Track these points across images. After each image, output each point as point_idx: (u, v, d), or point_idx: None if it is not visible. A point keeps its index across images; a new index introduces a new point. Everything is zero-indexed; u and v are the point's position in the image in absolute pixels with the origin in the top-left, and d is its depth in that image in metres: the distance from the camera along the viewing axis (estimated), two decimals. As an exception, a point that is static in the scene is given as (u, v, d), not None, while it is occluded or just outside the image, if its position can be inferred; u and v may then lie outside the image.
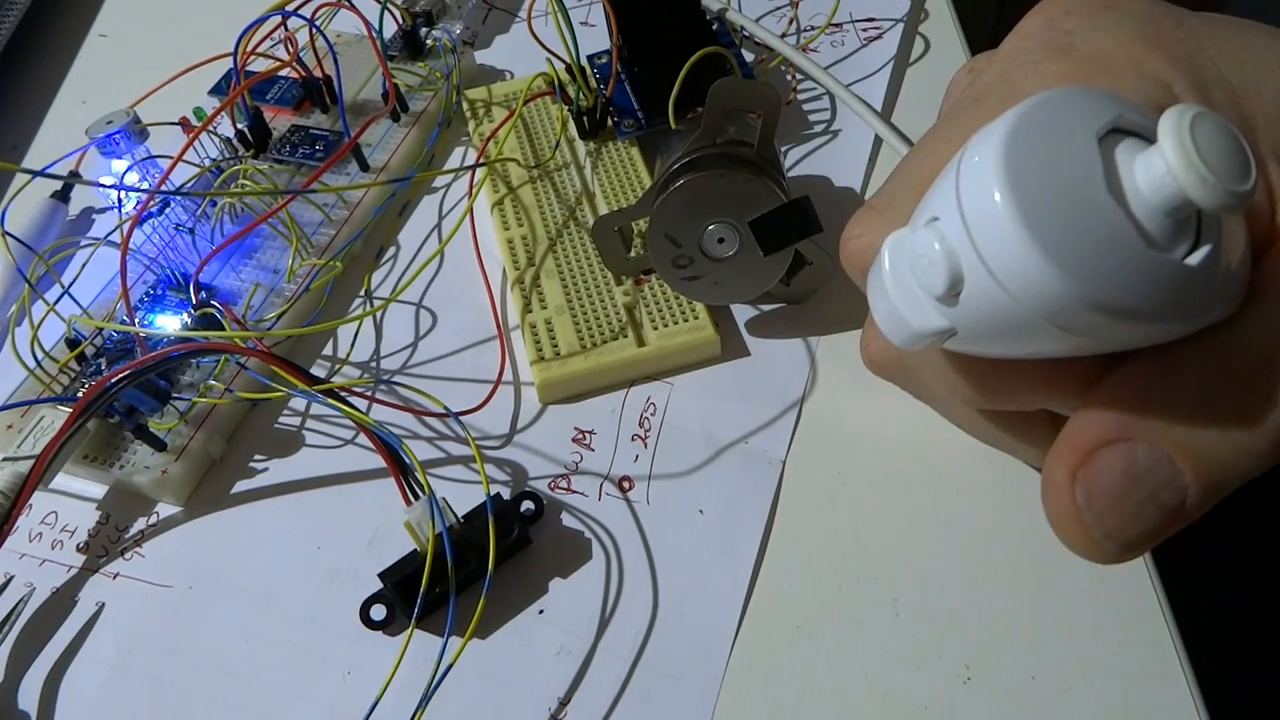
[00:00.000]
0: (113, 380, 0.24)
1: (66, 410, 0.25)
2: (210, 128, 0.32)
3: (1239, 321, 0.16)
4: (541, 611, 0.24)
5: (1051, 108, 0.15)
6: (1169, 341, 0.17)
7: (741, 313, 0.29)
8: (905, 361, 0.22)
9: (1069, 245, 0.14)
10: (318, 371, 0.29)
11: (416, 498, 0.23)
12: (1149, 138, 0.16)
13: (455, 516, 0.24)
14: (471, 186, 0.32)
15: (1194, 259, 0.15)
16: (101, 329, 0.29)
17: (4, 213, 0.29)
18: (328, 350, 0.30)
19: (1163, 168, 0.14)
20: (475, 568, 0.23)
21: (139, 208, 0.30)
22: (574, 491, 0.26)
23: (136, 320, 0.29)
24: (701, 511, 0.25)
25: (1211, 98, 0.18)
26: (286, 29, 0.34)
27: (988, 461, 0.25)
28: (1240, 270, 0.16)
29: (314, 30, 0.33)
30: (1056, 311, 0.15)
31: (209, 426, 0.27)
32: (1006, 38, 0.22)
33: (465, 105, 0.36)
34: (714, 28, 0.34)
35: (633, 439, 0.27)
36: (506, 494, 0.26)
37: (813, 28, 0.38)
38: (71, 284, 0.29)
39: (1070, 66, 0.19)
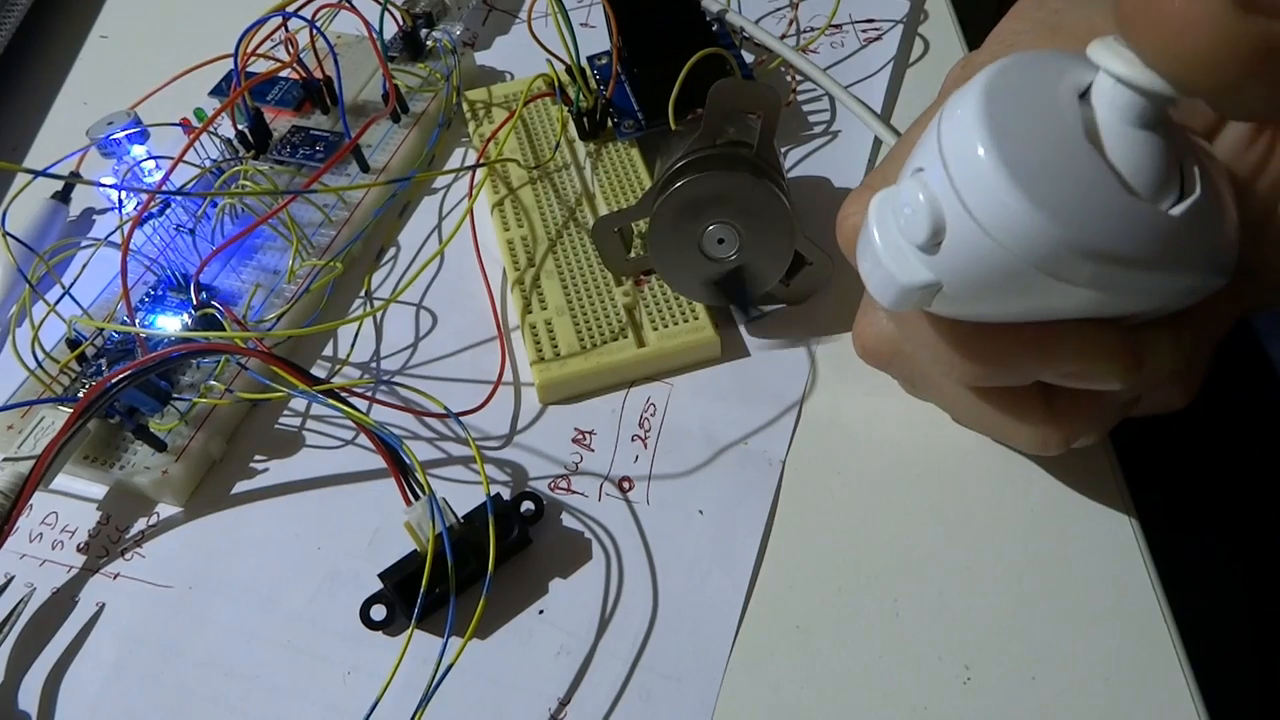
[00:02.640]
0: (113, 381, 0.24)
1: (67, 411, 0.25)
2: (211, 129, 0.32)
3: None
4: (541, 612, 0.24)
5: (1030, 62, 0.16)
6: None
7: (741, 313, 0.29)
8: (897, 347, 0.22)
9: (1049, 187, 0.15)
10: (318, 372, 0.29)
11: (417, 498, 0.23)
12: None
13: (455, 517, 0.24)
14: (472, 187, 0.32)
15: (1178, 209, 0.15)
16: (102, 329, 0.29)
17: (5, 213, 0.29)
18: (328, 351, 0.30)
19: (1106, 78, 0.15)
20: (475, 568, 0.23)
21: (139, 208, 0.30)
22: (574, 492, 0.26)
23: (137, 321, 0.29)
24: (701, 512, 0.25)
25: None
26: (287, 30, 0.34)
27: (988, 462, 0.25)
28: (1230, 234, 0.17)
29: (314, 31, 0.33)
30: (1039, 254, 0.15)
31: (209, 427, 0.27)
32: (1000, 21, 0.22)
33: (465, 106, 0.36)
34: (714, 29, 0.34)
35: (633, 439, 0.27)
36: (506, 494, 0.26)
37: (812, 29, 0.38)
38: (72, 285, 0.29)
39: (1060, 42, 0.19)
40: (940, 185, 0.15)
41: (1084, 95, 0.15)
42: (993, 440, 0.25)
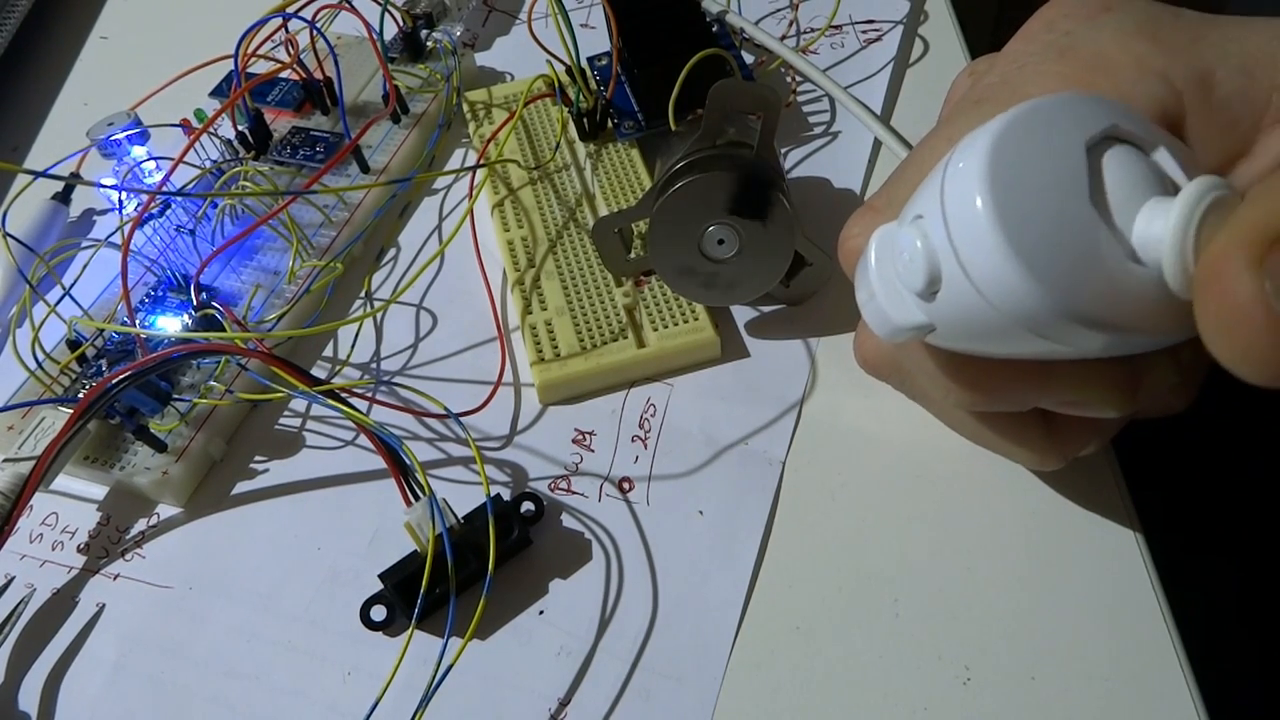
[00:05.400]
0: (113, 381, 0.24)
1: (67, 411, 0.25)
2: (211, 129, 0.32)
3: None
4: (542, 612, 0.24)
5: (1042, 115, 0.15)
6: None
7: (741, 314, 0.29)
8: (897, 363, 0.22)
9: (1047, 256, 0.14)
10: (318, 373, 0.29)
11: (417, 498, 0.23)
12: (1144, 147, 0.16)
13: (455, 517, 0.24)
14: (472, 188, 0.32)
15: None
16: (102, 330, 0.29)
17: (5, 214, 0.29)
18: (328, 351, 0.30)
19: (1159, 243, 0.14)
20: (475, 568, 0.23)
21: (140, 209, 0.30)
22: (574, 492, 0.26)
23: (137, 321, 0.29)
24: (701, 512, 0.25)
25: (1215, 79, 0.18)
26: (287, 31, 0.34)
27: (987, 462, 0.25)
28: None
29: (315, 32, 0.34)
30: (1030, 320, 0.15)
31: (209, 427, 0.27)
32: (1009, 42, 0.22)
33: (465, 107, 0.36)
34: (714, 30, 0.34)
35: (633, 440, 0.27)
36: (507, 495, 0.26)
37: (812, 30, 0.38)
38: (72, 285, 0.29)
39: (1072, 67, 0.19)
40: (939, 239, 0.15)
41: (1092, 146, 0.15)
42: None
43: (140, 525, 0.26)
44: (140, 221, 0.29)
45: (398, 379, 0.29)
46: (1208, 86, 0.18)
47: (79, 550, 0.26)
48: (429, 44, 0.38)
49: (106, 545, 0.26)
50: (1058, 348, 0.15)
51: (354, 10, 0.33)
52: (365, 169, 0.34)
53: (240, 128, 0.33)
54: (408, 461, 0.23)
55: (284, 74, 0.35)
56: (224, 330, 0.28)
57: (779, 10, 0.40)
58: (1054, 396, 0.19)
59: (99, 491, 0.27)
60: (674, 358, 0.28)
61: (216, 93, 0.36)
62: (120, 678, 0.24)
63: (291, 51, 0.34)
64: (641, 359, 0.27)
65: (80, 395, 0.26)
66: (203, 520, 0.26)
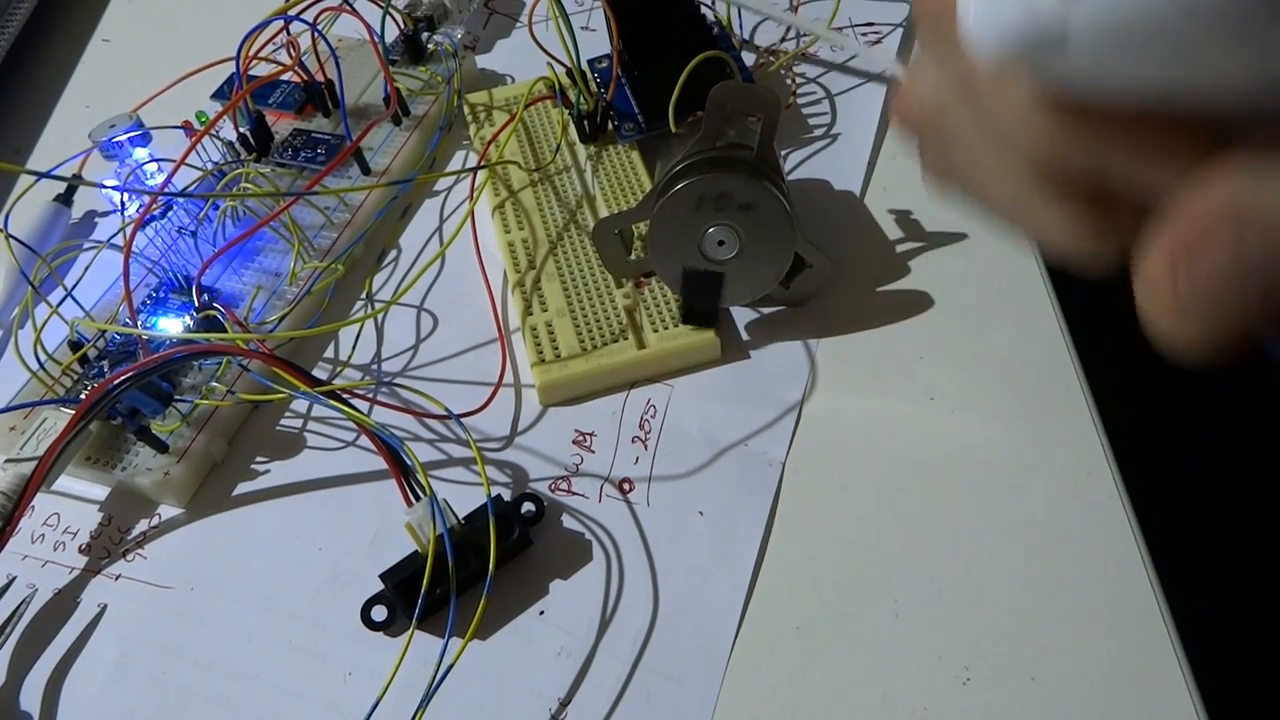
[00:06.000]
0: (115, 382, 0.24)
1: (69, 412, 0.25)
2: (213, 131, 0.32)
3: None
4: (542, 612, 0.24)
5: None
6: None
7: (741, 315, 0.29)
8: (949, 109, 0.18)
9: None
10: (319, 373, 0.29)
11: (418, 499, 0.23)
12: None
13: (456, 518, 0.24)
14: (472, 190, 0.32)
15: None
16: (104, 331, 0.29)
17: (7, 215, 0.29)
18: (329, 352, 0.30)
19: None
20: (476, 569, 0.23)
21: (142, 211, 0.30)
22: (574, 493, 0.26)
23: (139, 322, 0.29)
24: (701, 513, 0.25)
25: None
26: (289, 34, 0.35)
27: (988, 462, 0.25)
28: None
29: (316, 35, 0.34)
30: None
31: (211, 428, 0.27)
32: None
33: (466, 109, 0.36)
34: (714, 32, 0.34)
35: (633, 441, 0.27)
36: (507, 495, 0.26)
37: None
38: (74, 287, 0.29)
39: None
40: None
41: None
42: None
43: (142, 526, 0.26)
44: (142, 223, 0.29)
45: (399, 380, 0.29)
46: None
47: (81, 551, 0.26)
48: (430, 46, 0.38)
49: (108, 546, 0.26)
50: (1218, 60, 0.13)
51: (355, 13, 0.33)
52: (366, 171, 0.34)
53: (242, 130, 0.34)
54: (409, 462, 0.24)
55: (285, 76, 0.35)
56: (225, 331, 0.28)
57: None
58: (1141, 156, 0.16)
59: (100, 492, 0.27)
60: (674, 359, 0.28)
61: (218, 95, 0.36)
62: (121, 678, 0.24)
63: (293, 54, 0.34)
64: (642, 360, 0.28)
65: (82, 396, 0.26)
66: (204, 521, 0.26)
